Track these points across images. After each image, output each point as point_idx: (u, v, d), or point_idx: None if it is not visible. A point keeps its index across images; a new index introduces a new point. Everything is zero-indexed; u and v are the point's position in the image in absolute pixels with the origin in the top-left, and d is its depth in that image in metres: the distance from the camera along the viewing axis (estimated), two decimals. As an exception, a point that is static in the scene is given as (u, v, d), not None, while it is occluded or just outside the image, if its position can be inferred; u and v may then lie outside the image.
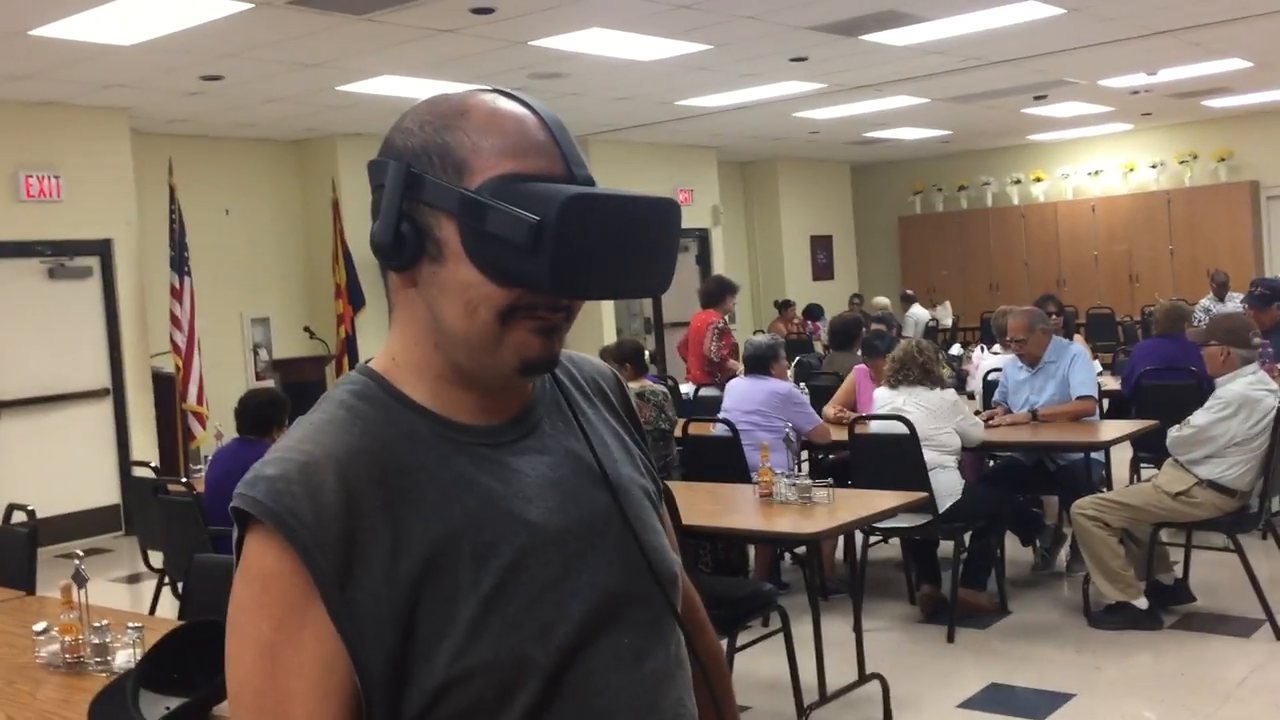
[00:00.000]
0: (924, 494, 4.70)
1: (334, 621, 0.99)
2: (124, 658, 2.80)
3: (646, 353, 6.03)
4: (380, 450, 1.05)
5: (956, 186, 16.29)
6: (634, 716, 1.10)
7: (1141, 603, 4.91)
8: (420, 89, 8.44)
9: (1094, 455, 5.72)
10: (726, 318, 8.61)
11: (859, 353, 6.86)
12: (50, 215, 8.39)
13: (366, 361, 1.15)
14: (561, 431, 1.16)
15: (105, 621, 2.90)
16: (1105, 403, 6.52)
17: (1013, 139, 15.07)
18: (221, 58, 7.34)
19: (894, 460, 5.04)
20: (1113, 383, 7.29)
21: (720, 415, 5.78)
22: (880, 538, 5.71)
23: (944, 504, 5.07)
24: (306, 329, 10.66)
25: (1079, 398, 5.79)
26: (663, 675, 1.14)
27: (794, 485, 4.42)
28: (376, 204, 1.06)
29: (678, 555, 1.24)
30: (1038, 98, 11.54)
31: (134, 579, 7.22)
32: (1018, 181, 15.93)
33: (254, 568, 1.01)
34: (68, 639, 2.87)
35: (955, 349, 9.83)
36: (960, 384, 7.76)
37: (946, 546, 5.32)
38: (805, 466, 6.32)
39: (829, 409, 6.32)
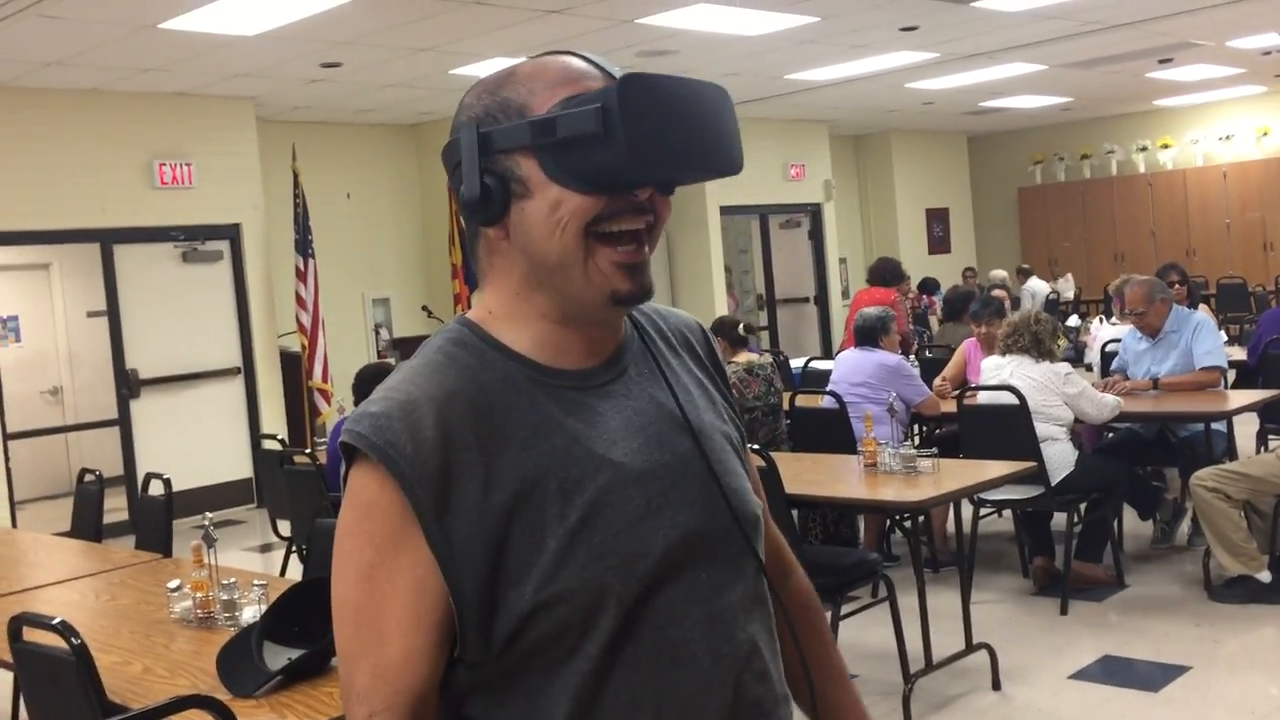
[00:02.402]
0: (1033, 464, 4.64)
1: (430, 547, 1.07)
2: (250, 613, 2.96)
3: (741, 325, 6.06)
4: (475, 392, 1.12)
5: (1079, 155, 15.83)
6: (710, 647, 1.15)
7: (1265, 576, 4.77)
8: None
9: (1216, 426, 5.56)
10: (901, 297, 8.89)
11: (971, 326, 6.77)
12: (182, 201, 8.77)
13: (464, 314, 1.22)
14: (646, 378, 1.21)
15: (233, 579, 3.07)
16: (1232, 373, 6.31)
17: (1138, 105, 14.58)
18: (340, 45, 7.56)
19: (1003, 431, 4.98)
20: (1240, 353, 7.05)
21: (828, 388, 5.78)
22: (992, 510, 5.64)
23: (1057, 476, 4.99)
24: (424, 308, 10.93)
25: (1204, 368, 5.62)
26: (739, 610, 1.19)
27: (898, 455, 4.41)
28: (458, 177, 1.15)
29: (762, 500, 1.29)
30: (1162, 61, 11.15)
31: (265, 548, 7.54)
32: (1144, 149, 15.40)
33: (358, 497, 1.09)
34: (198, 595, 3.05)
35: (1073, 320, 9.60)
36: (1078, 356, 7.60)
37: (1061, 520, 5.24)
38: (915, 440, 6.27)
39: (939, 381, 6.26)
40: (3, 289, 9.31)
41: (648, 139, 1.06)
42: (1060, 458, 5.03)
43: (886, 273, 8.84)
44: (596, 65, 1.15)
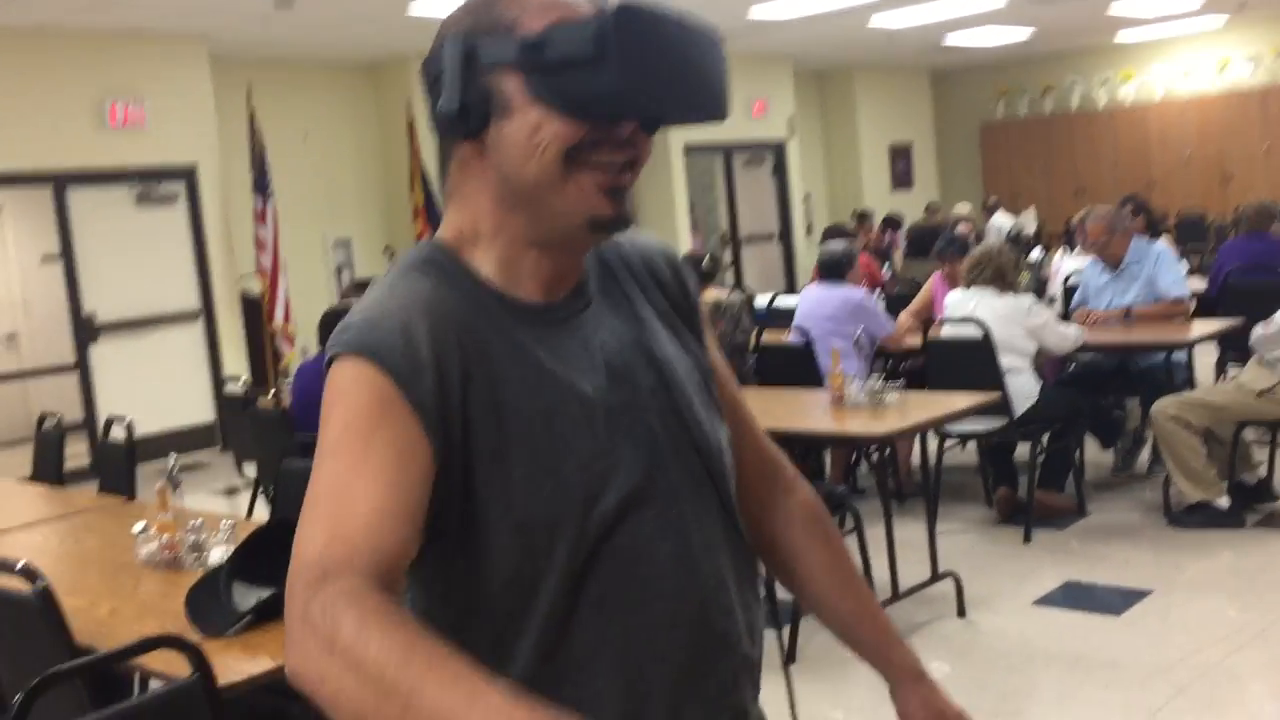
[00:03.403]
0: (997, 395, 4.68)
1: (428, 434, 1.02)
2: (218, 554, 2.94)
3: (708, 258, 6.06)
4: (454, 306, 1.10)
5: (1041, 90, 15.83)
6: (676, 583, 1.14)
7: (1224, 502, 4.85)
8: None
9: (1176, 357, 5.62)
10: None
11: (934, 261, 6.79)
12: (136, 142, 8.59)
13: (433, 237, 1.18)
14: (609, 310, 1.20)
15: (199, 520, 3.05)
16: (1192, 303, 6.38)
17: (1099, 39, 14.56)
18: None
19: (968, 364, 5.02)
20: (1200, 283, 7.12)
21: (795, 323, 5.78)
22: (956, 441, 5.70)
23: (1020, 407, 5.04)
24: (387, 249, 10.83)
25: (1173, 300, 5.67)
26: (706, 544, 1.17)
27: (865, 388, 4.43)
28: (436, 89, 1.11)
29: (749, 428, 1.30)
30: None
31: (231, 491, 7.50)
32: (1105, 82, 15.42)
33: (341, 381, 1.05)
34: (165, 537, 3.03)
35: (1035, 253, 9.65)
36: (1040, 290, 7.64)
37: (1024, 449, 5.30)
38: (881, 374, 6.30)
39: (904, 316, 6.28)
40: (-47, 234, 9.13)
41: (640, 70, 1.04)
42: (1023, 389, 5.08)
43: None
44: None
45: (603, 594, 1.10)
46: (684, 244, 12.09)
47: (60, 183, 8.32)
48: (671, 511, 1.15)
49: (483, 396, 1.08)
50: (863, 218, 13.54)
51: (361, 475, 1.00)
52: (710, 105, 1.11)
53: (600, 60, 1.03)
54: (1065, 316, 5.90)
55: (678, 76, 1.07)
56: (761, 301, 8.10)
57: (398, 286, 1.11)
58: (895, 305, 6.83)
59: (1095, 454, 5.93)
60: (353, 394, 1.04)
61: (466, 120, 1.09)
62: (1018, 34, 13.29)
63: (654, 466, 1.14)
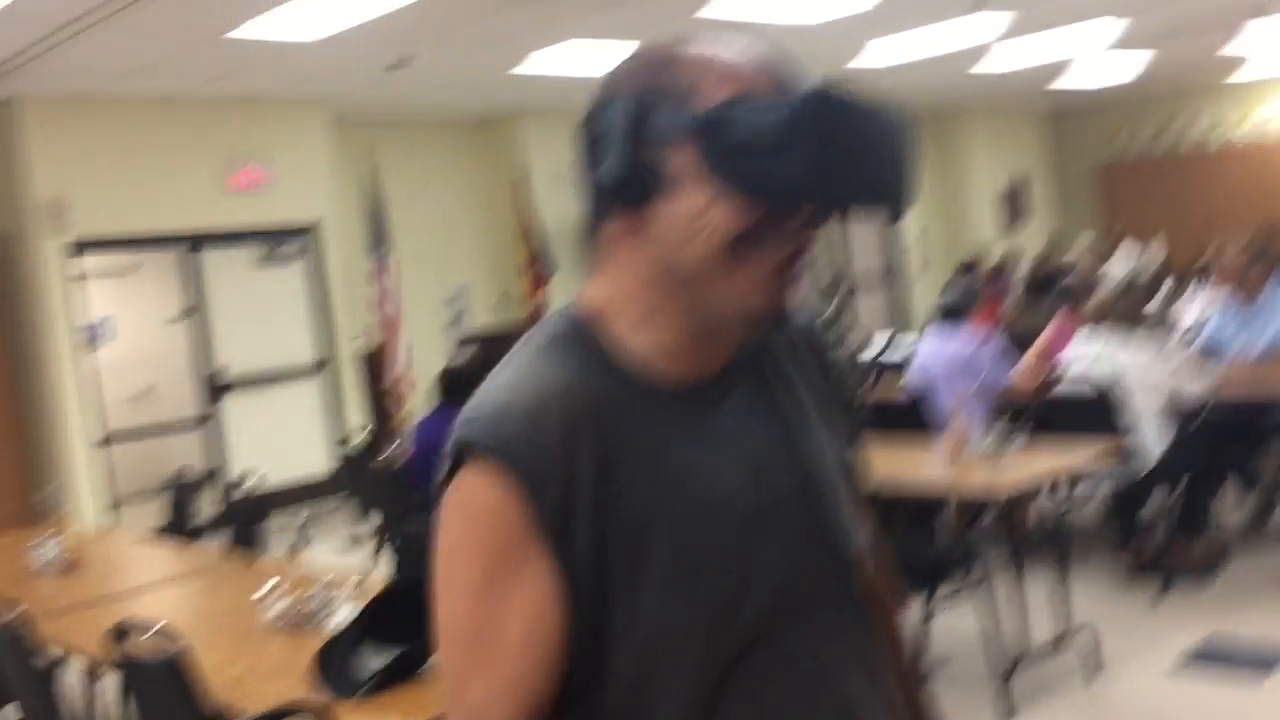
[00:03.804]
0: (1127, 444, 4.52)
1: (558, 559, 0.98)
2: (344, 613, 2.98)
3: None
4: (592, 394, 1.03)
5: (1163, 129, 15.41)
6: (813, 705, 1.07)
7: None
8: (596, 64, 8.54)
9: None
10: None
11: (1054, 303, 6.62)
12: (261, 203, 8.90)
13: (569, 307, 1.11)
14: (754, 397, 1.12)
15: (327, 578, 3.10)
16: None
17: (1221, 77, 14.13)
18: (406, 43, 7.60)
19: (1096, 410, 4.86)
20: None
21: (914, 369, 5.68)
22: (1086, 493, 5.51)
23: (1151, 455, 4.86)
24: (504, 296, 11.01)
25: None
26: (839, 666, 1.10)
27: (987, 439, 4.32)
28: (597, 151, 1.03)
29: (867, 523, 1.21)
30: (1255, 10, 10.74)
31: (354, 542, 7.63)
32: (1226, 122, 14.95)
33: (469, 505, 1.00)
34: (294, 596, 3.08)
35: (1163, 294, 9.33)
36: (1168, 331, 7.40)
37: (1156, 499, 5.10)
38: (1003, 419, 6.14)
39: (1029, 357, 6.11)
40: (97, 293, 9.51)
41: (827, 163, 0.96)
42: (1154, 437, 4.90)
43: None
44: (768, 58, 1.04)
45: (733, 717, 1.03)
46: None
47: (192, 243, 8.66)
48: (809, 627, 1.08)
49: (617, 500, 1.00)
50: (969, 268, 13.27)
51: (508, 623, 1.00)
52: (894, 201, 1.01)
53: (787, 148, 0.95)
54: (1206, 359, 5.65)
55: (864, 170, 0.99)
56: (876, 347, 7.99)
57: (535, 366, 1.04)
58: (1017, 345, 6.64)
59: (1232, 504, 5.68)
60: (491, 522, 0.99)
61: (631, 189, 1.01)
62: (1130, 71, 12.96)
63: (793, 577, 1.07)
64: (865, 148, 0.98)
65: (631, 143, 1.01)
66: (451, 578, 1.02)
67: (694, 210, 1.00)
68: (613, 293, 1.08)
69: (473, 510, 1.00)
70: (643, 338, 1.07)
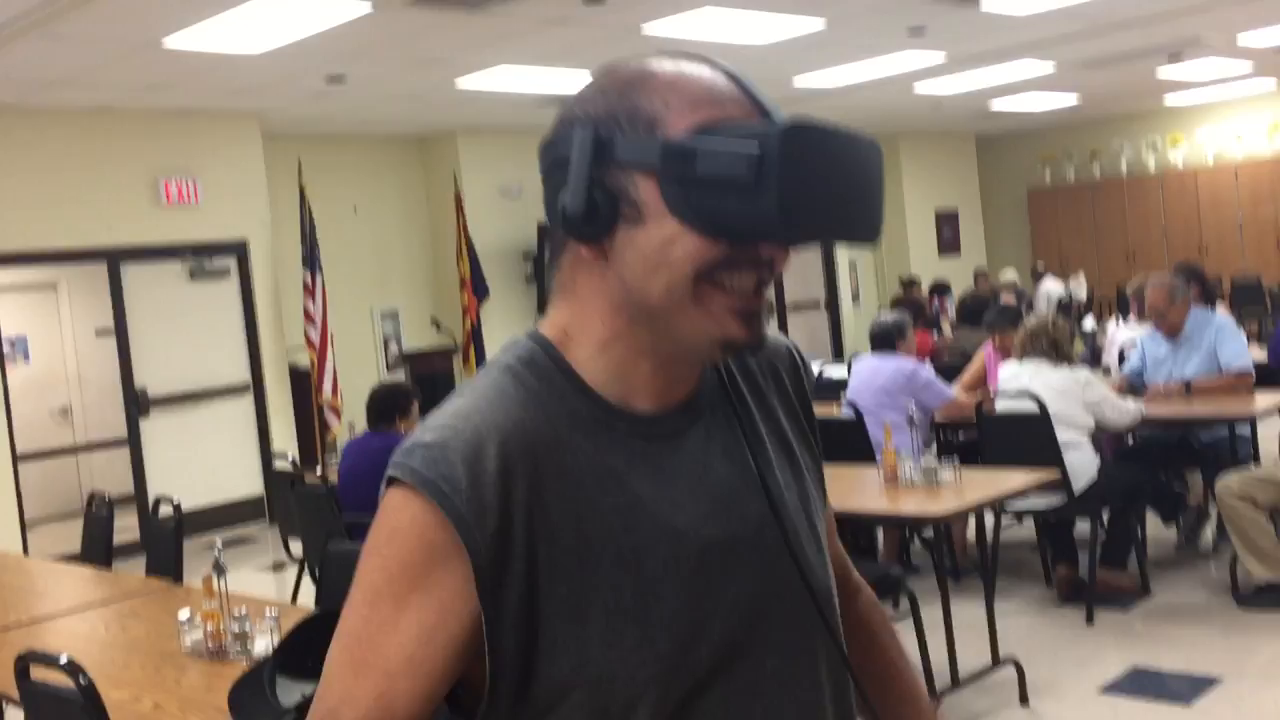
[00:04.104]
0: (1055, 473, 4.56)
1: (480, 595, 0.94)
2: (263, 644, 2.90)
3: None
4: (542, 423, 0.99)
5: (1089, 154, 15.75)
6: None
7: (1295, 583, 4.68)
8: (535, 81, 8.52)
9: (1240, 430, 5.47)
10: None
11: (985, 330, 6.69)
12: (189, 219, 8.73)
13: (537, 329, 1.08)
14: (721, 426, 1.09)
15: (244, 610, 3.01)
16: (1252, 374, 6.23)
17: (1148, 103, 14.49)
18: (344, 59, 7.52)
19: (1025, 439, 4.91)
20: (1260, 353, 6.96)
21: (847, 396, 5.70)
22: (1013, 518, 5.56)
23: (1079, 483, 4.91)
24: (434, 320, 10.89)
25: (1236, 373, 5.52)
26: (814, 701, 1.07)
27: (919, 466, 4.34)
28: (556, 181, 1.00)
29: (837, 550, 1.20)
30: (1172, 57, 11.06)
31: (278, 567, 7.48)
32: (1154, 147, 15.31)
33: (389, 519, 0.97)
34: (209, 626, 2.99)
35: (1089, 323, 9.51)
36: (1095, 359, 7.52)
37: (1083, 526, 5.15)
38: (934, 446, 6.19)
39: (957, 389, 6.18)
40: (11, 309, 9.27)
41: (799, 198, 0.92)
42: (1082, 465, 4.95)
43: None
44: (738, 83, 1.01)
45: None
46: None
47: (115, 259, 8.46)
48: (772, 664, 1.04)
49: (561, 537, 0.97)
50: (910, 285, 13.48)
51: (391, 639, 0.96)
52: (866, 230, 0.99)
53: (758, 185, 0.92)
54: (1132, 389, 5.74)
55: (837, 204, 0.96)
56: (815, 370, 8.01)
57: (487, 394, 1.00)
58: (945, 375, 6.72)
59: (1157, 530, 5.77)
60: (404, 537, 0.96)
61: (592, 222, 0.97)
62: (1065, 99, 13.26)
63: (754, 613, 1.03)
64: (836, 180, 0.95)
65: (590, 175, 0.97)
66: (358, 579, 0.99)
67: (659, 241, 0.97)
68: (576, 319, 1.05)
69: (391, 523, 0.98)
70: (604, 365, 1.04)
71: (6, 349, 8.31)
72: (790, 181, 0.91)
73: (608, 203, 0.97)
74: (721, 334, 0.99)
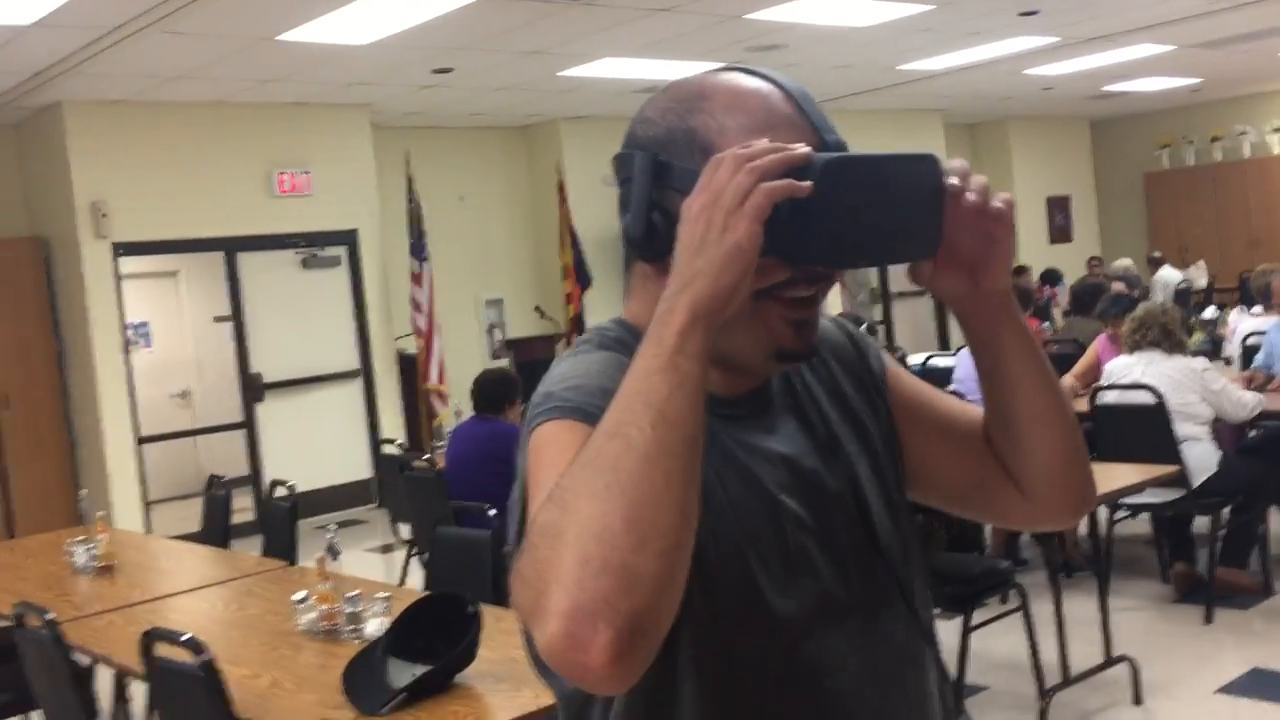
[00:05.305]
0: (1174, 467, 4.43)
1: None
2: (374, 626, 2.96)
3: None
4: None
5: (1209, 138, 15.18)
6: (865, 701, 1.09)
7: None
8: (638, 69, 8.52)
9: (1371, 424, 5.24)
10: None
11: (1098, 319, 6.51)
12: (301, 209, 8.95)
13: (618, 318, 1.16)
14: (790, 412, 1.16)
15: (357, 591, 3.08)
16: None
17: (1270, 84, 13.92)
18: (451, 50, 7.62)
19: (1141, 432, 4.77)
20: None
21: (951, 387, 5.61)
22: (1128, 513, 5.41)
23: (1198, 477, 4.76)
24: (537, 309, 10.98)
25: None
26: (898, 658, 1.13)
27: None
28: (625, 197, 1.07)
29: (910, 524, 1.22)
30: (1300, 36, 10.61)
31: (386, 549, 7.64)
32: (1278, 129, 14.70)
33: (551, 437, 0.99)
34: (324, 608, 3.07)
35: (1210, 312, 9.19)
36: (1215, 349, 7.27)
37: (1202, 522, 4.99)
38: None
39: (1068, 379, 6.03)
40: (134, 297, 9.62)
41: (835, 233, 0.97)
42: (1201, 458, 4.80)
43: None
44: (796, 102, 1.05)
45: (797, 711, 1.06)
46: (833, 301, 11.94)
47: (232, 248, 8.72)
48: (858, 623, 1.11)
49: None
50: (1019, 271, 13.17)
51: None
52: (911, 251, 1.04)
53: (795, 220, 0.95)
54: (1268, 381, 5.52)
55: (878, 230, 1.00)
56: (914, 361, 7.91)
57: (590, 359, 1.08)
58: (1056, 365, 6.57)
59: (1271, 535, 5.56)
60: (569, 440, 0.97)
61: (652, 244, 1.03)
62: (1184, 81, 12.81)
63: (840, 576, 1.10)
64: (877, 211, 0.99)
65: (650, 199, 1.03)
66: (541, 463, 0.98)
67: None
68: (644, 322, 1.07)
69: (557, 436, 1.00)
70: None
71: (131, 335, 8.61)
72: (824, 217, 0.95)
73: (666, 225, 1.01)
74: (775, 344, 1.05)
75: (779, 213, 0.95)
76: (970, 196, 1.04)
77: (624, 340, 1.10)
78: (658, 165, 1.04)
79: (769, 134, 1.01)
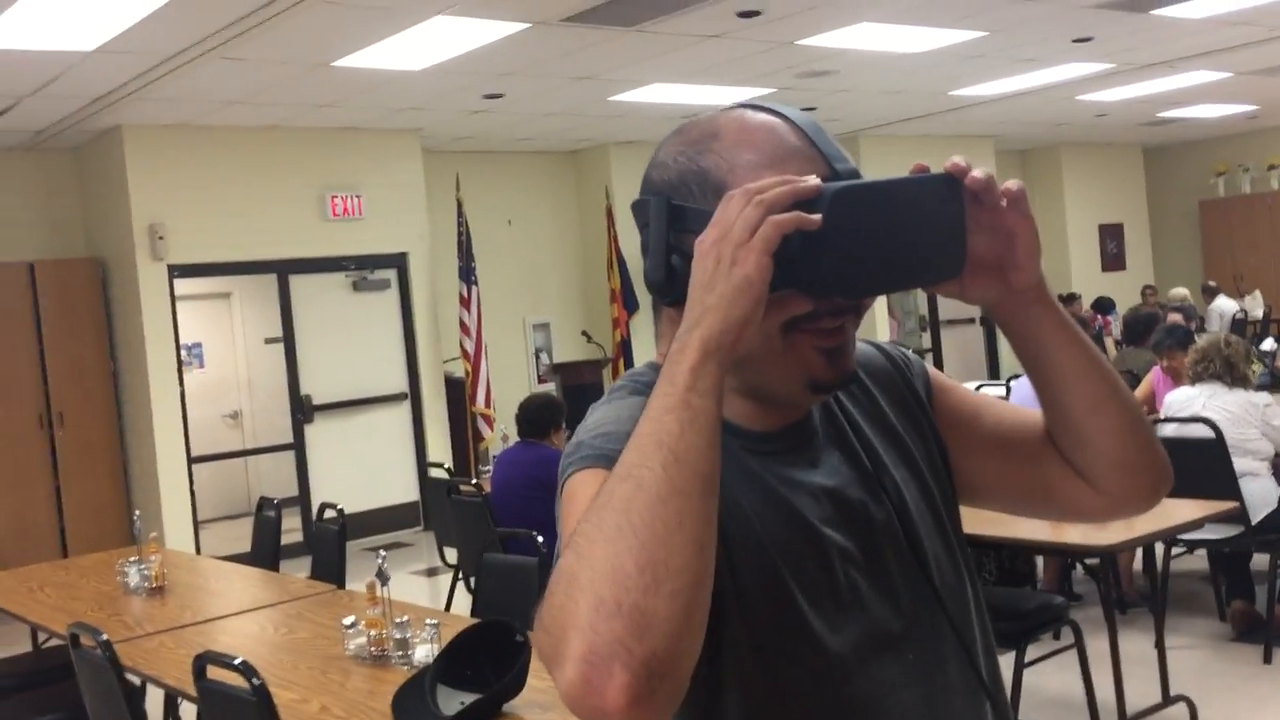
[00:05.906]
0: (1233, 503, 4.34)
1: None
2: (423, 652, 2.96)
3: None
4: None
5: (1266, 165, 14.96)
6: None
7: None
8: (688, 94, 8.54)
9: None
10: None
11: (1153, 350, 6.42)
12: (353, 232, 9.04)
13: (653, 361, 1.15)
14: (833, 442, 1.15)
15: (406, 617, 3.08)
16: None
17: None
18: (502, 76, 7.68)
19: (1199, 466, 4.68)
20: None
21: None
22: (1185, 549, 5.31)
23: (1257, 514, 4.66)
24: (584, 333, 11.01)
25: None
26: (949, 690, 1.12)
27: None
28: (645, 243, 1.07)
29: (963, 549, 1.20)
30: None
31: (432, 572, 7.66)
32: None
33: (582, 493, 0.98)
34: (373, 633, 3.07)
35: (1268, 344, 9.03)
36: (1275, 381, 7.14)
37: (1261, 559, 4.89)
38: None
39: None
40: (188, 318, 9.77)
41: (851, 264, 0.96)
42: (1261, 494, 4.70)
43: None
44: (807, 136, 1.05)
45: None
46: (882, 329, 11.86)
47: (284, 271, 8.82)
48: (911, 655, 1.10)
49: (736, 536, 1.03)
50: (1069, 299, 13.03)
51: None
52: (934, 274, 1.03)
53: (817, 243, 0.94)
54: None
55: (896, 256, 0.99)
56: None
57: (621, 405, 1.08)
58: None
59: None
60: (596, 488, 0.94)
61: (674, 288, 1.02)
62: (1241, 108, 12.64)
63: (893, 608, 1.10)
64: (898, 232, 0.98)
65: (668, 243, 1.03)
66: (571, 512, 0.99)
67: None
68: None
69: (583, 478, 1.01)
70: None
71: (184, 355, 8.73)
72: (839, 248, 0.94)
73: (685, 267, 0.99)
74: (808, 375, 1.05)
75: (791, 245, 0.94)
76: (983, 197, 1.04)
77: (655, 384, 1.09)
78: (673, 209, 1.04)
79: (779, 168, 1.01)
